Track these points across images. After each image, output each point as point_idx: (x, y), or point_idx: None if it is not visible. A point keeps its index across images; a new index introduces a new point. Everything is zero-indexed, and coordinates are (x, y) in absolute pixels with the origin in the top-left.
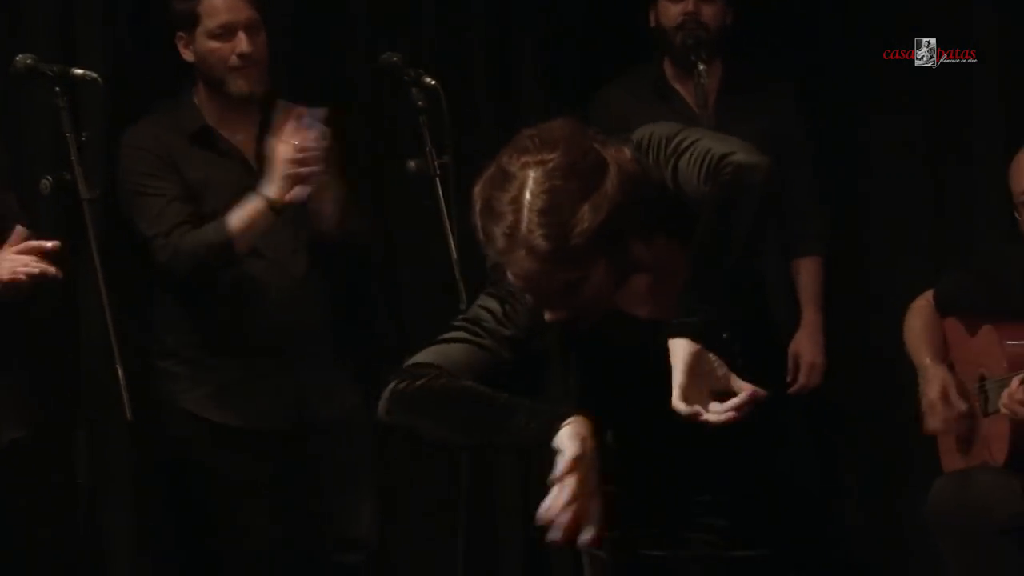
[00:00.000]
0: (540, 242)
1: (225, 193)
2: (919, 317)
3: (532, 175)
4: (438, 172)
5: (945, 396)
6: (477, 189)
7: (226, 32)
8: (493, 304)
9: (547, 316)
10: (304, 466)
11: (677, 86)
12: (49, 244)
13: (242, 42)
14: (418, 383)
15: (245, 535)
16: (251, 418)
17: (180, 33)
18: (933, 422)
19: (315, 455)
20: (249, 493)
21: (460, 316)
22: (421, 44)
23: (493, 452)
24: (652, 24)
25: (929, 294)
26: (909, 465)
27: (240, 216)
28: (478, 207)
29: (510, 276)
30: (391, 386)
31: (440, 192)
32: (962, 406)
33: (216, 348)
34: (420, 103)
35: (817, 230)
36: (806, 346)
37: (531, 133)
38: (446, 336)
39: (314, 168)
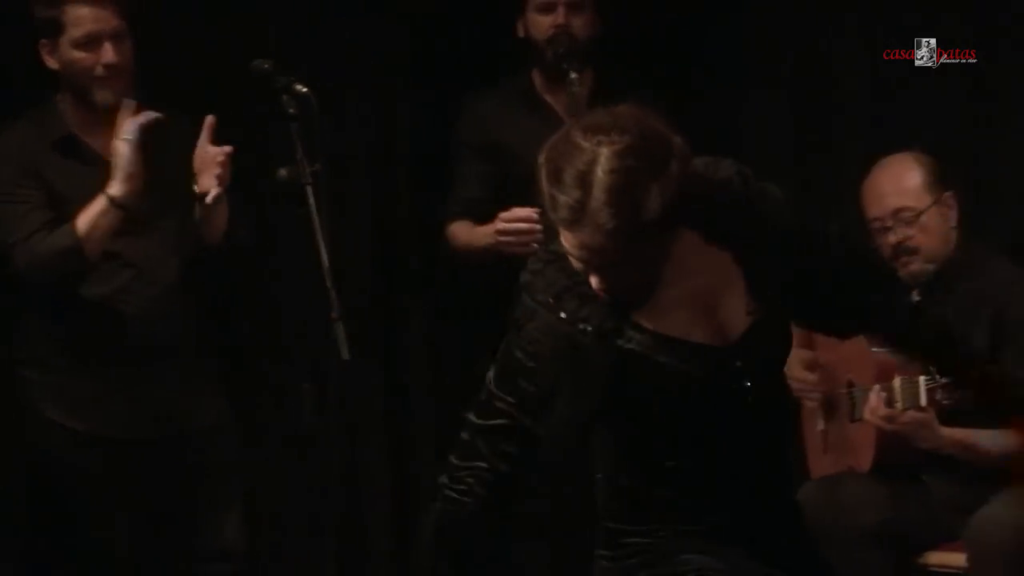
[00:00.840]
0: (608, 220)
1: (89, 200)
2: None
3: (605, 153)
4: (310, 180)
5: (811, 367)
6: (544, 155)
7: (91, 42)
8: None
9: (595, 284)
10: (171, 476)
11: (547, 96)
12: None
13: (108, 52)
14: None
15: (111, 546)
16: (117, 427)
17: (43, 40)
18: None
19: (182, 464)
20: (115, 503)
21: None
22: (292, 51)
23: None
24: (520, 35)
25: None
26: None
27: (86, 218)
28: (544, 173)
29: (567, 244)
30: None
31: (312, 200)
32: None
33: (82, 357)
34: (291, 110)
35: None
36: None
37: (605, 112)
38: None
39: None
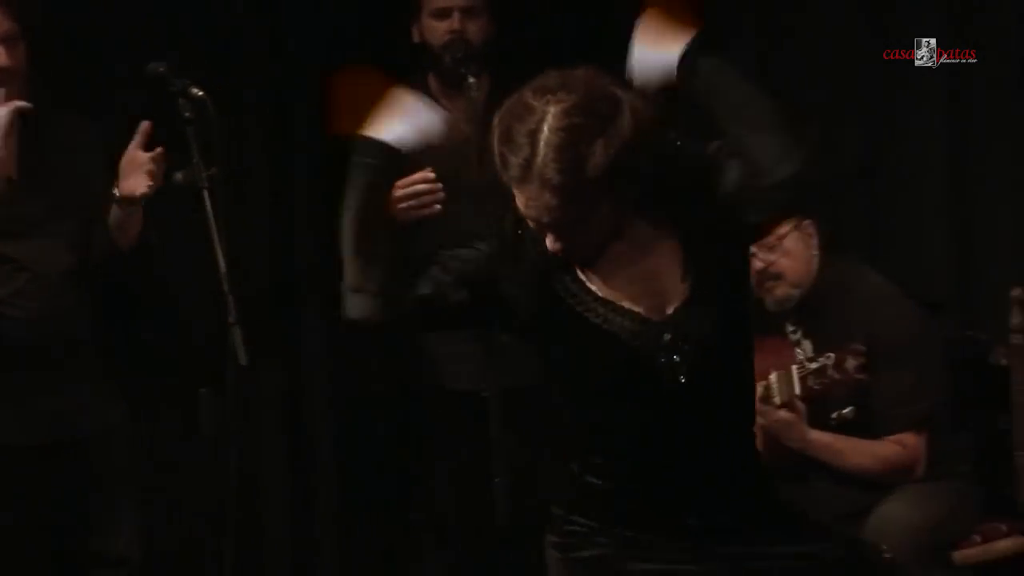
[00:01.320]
0: (554, 176)
1: None
2: None
3: (552, 111)
4: (206, 184)
5: None
6: (497, 117)
7: None
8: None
9: (550, 244)
10: (65, 480)
11: (443, 101)
12: None
13: (0, 55)
14: None
15: (3, 552)
16: (8, 432)
17: None
18: None
19: (77, 469)
20: (5, 509)
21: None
22: (190, 54)
23: None
24: (416, 40)
25: None
26: None
27: None
28: (497, 134)
29: (520, 204)
30: None
31: (208, 204)
32: None
33: None
34: (187, 114)
35: None
36: None
37: (556, 73)
38: None
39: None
